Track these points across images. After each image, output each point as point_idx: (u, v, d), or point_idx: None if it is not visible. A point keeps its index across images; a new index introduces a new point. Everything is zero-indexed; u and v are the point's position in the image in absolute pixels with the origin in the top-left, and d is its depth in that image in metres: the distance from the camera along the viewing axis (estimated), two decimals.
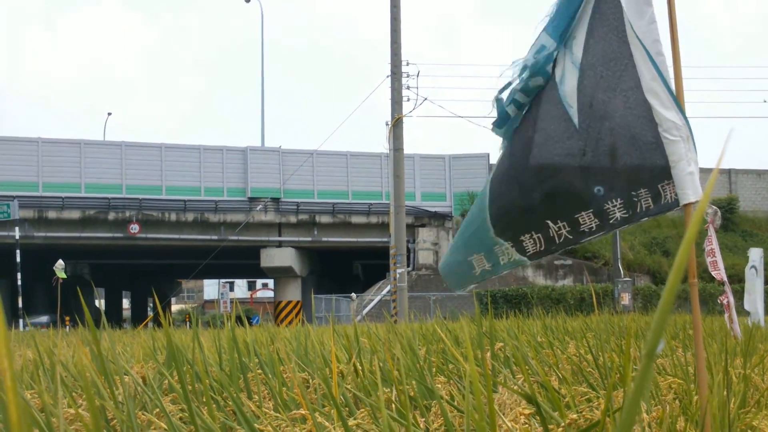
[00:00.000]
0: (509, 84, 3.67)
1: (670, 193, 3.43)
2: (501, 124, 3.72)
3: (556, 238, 3.59)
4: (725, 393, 3.19)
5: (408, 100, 28.53)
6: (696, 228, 0.88)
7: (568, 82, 3.47)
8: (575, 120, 3.45)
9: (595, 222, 3.54)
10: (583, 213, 3.51)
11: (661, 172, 3.36)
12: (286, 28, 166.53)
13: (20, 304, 24.72)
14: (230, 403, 3.27)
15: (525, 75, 3.59)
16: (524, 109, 3.63)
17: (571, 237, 3.59)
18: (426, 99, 29.65)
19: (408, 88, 29.78)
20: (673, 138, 3.24)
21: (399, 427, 2.67)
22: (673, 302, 0.87)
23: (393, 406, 2.95)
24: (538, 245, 3.69)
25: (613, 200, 3.47)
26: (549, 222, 3.61)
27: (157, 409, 3.15)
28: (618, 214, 3.53)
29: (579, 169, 3.49)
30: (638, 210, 3.49)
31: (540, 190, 3.60)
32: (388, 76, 25.73)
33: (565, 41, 3.49)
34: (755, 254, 12.16)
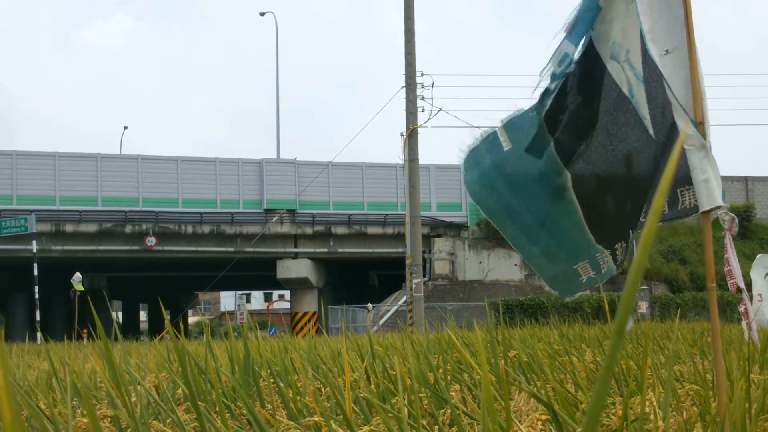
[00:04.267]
0: (546, 94, 3.68)
1: (689, 199, 3.40)
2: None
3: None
4: (744, 399, 3.15)
5: (423, 110, 28.51)
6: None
7: (637, 94, 3.48)
8: (651, 131, 3.47)
9: (693, 200, 3.53)
10: (684, 187, 3.51)
11: (682, 177, 3.34)
12: (300, 41, 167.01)
13: (38, 317, 24.80)
14: (243, 411, 3.25)
15: (554, 81, 3.61)
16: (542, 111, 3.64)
17: (666, 211, 3.60)
18: (441, 110, 29.59)
19: (423, 98, 29.75)
20: (687, 147, 3.20)
21: None
22: (641, 275, 0.88)
23: (406, 413, 2.92)
24: (623, 255, 3.72)
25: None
26: (631, 232, 3.61)
27: (170, 419, 3.13)
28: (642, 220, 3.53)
29: (653, 179, 3.49)
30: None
31: (631, 201, 3.61)
32: (402, 87, 25.74)
33: (618, 55, 3.48)
34: None
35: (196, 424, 3.24)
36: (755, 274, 11.55)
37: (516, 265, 37.98)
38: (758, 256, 12.16)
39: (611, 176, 3.68)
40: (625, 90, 3.51)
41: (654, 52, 3.28)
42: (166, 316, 3.23)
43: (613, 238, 3.73)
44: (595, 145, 3.65)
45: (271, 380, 3.63)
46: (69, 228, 35.80)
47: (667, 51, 3.28)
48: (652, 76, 3.41)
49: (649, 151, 3.50)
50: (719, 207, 3.24)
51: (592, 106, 3.60)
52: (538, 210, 3.80)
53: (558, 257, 3.90)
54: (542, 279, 4.14)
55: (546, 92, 3.65)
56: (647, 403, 2.87)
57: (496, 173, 3.80)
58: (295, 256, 38.69)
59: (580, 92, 3.61)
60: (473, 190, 3.95)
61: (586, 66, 3.55)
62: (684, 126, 3.19)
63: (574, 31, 3.53)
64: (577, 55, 3.55)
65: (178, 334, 2.68)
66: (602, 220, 3.75)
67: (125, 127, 71.64)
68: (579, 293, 4.00)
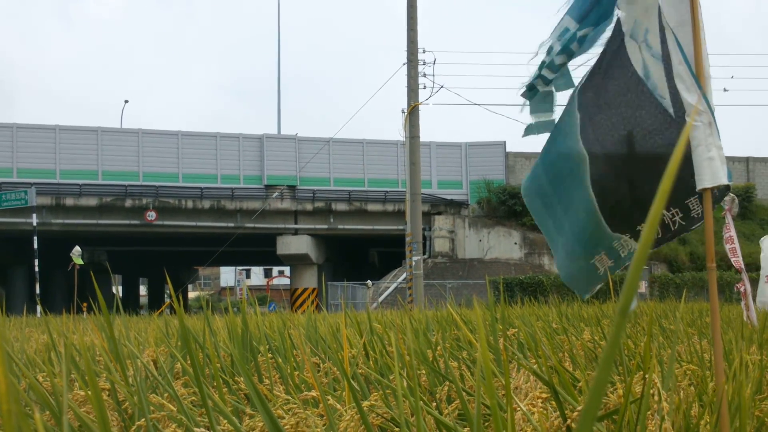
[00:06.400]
0: (541, 65, 3.77)
1: (698, 207, 3.47)
2: (532, 98, 3.83)
3: (671, 225, 3.62)
4: (741, 379, 3.15)
5: (424, 87, 28.44)
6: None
7: (654, 74, 3.47)
8: (671, 110, 3.46)
9: (701, 208, 3.55)
10: (691, 199, 3.52)
11: (691, 188, 3.38)
12: (302, 16, 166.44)
13: (37, 291, 24.84)
14: (241, 386, 3.26)
15: (552, 54, 3.68)
16: (550, 83, 3.71)
17: (684, 223, 3.62)
18: (442, 87, 29.55)
19: (424, 75, 29.69)
20: (695, 123, 3.20)
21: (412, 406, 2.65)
22: (647, 257, 0.87)
23: (405, 385, 2.92)
24: (657, 234, 3.71)
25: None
26: (663, 210, 3.62)
27: (168, 393, 3.14)
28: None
29: (682, 157, 3.49)
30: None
31: (651, 182, 3.63)
32: (404, 64, 25.67)
33: (638, 35, 3.48)
34: None
35: (193, 398, 3.25)
36: (765, 254, 11.50)
37: (516, 243, 37.98)
38: (763, 237, 12.11)
39: (626, 159, 3.70)
40: (639, 71, 3.51)
41: (668, 24, 3.29)
42: (172, 290, 3.22)
43: (636, 221, 3.76)
44: (608, 126, 3.67)
45: (269, 355, 3.63)
46: (69, 201, 35.81)
47: (675, 26, 3.28)
48: (669, 55, 3.41)
49: (671, 130, 3.51)
50: (726, 186, 3.23)
51: (609, 87, 3.63)
52: (562, 195, 3.88)
53: (576, 253, 3.97)
54: (561, 278, 4.26)
55: (544, 64, 3.74)
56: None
57: (540, 160, 3.97)
58: (295, 232, 38.72)
59: (605, 73, 3.64)
60: (524, 185, 4.25)
61: (611, 46, 3.59)
62: (696, 101, 3.19)
63: (574, 6, 3.56)
64: (608, 33, 3.58)
65: (179, 308, 2.68)
66: (618, 206, 3.79)
67: (126, 101, 71.40)
68: (597, 287, 4.06)
